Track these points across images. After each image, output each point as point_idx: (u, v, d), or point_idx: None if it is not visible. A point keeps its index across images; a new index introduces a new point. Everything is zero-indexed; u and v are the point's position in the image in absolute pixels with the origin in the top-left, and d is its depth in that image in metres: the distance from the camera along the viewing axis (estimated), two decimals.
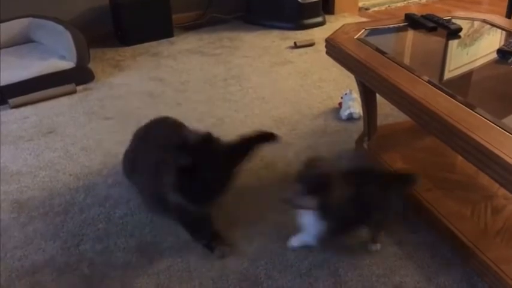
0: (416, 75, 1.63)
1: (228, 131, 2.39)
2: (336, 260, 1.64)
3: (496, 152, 1.24)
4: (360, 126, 2.26)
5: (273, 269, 1.61)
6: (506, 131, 1.32)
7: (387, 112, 2.32)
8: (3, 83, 2.66)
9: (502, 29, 2.00)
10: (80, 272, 1.62)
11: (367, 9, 4.36)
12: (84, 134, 2.40)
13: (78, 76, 2.88)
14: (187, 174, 1.55)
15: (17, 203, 1.93)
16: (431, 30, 1.98)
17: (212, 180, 1.59)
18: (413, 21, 2.05)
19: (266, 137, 1.85)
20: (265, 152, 2.22)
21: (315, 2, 3.76)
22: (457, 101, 1.47)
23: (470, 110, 1.42)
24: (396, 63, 1.72)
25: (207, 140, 1.63)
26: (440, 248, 1.66)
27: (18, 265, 1.65)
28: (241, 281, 1.57)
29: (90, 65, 2.98)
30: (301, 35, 3.60)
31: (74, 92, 2.80)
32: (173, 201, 1.61)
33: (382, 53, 1.79)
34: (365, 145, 2.11)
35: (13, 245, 1.73)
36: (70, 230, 1.79)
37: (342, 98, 2.53)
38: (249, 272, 1.60)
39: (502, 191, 1.70)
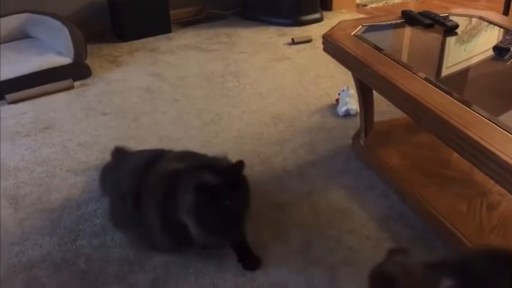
0: (413, 72, 1.63)
1: (226, 127, 2.40)
2: (331, 256, 1.65)
3: (491, 148, 1.25)
4: (357, 122, 2.26)
5: (268, 265, 1.62)
6: (501, 128, 1.32)
7: (384, 109, 2.32)
8: (1, 78, 2.65)
9: (499, 25, 2.00)
10: (76, 268, 1.62)
11: (364, 5, 4.35)
12: (81, 130, 2.40)
13: (76, 72, 2.87)
14: (208, 197, 1.47)
15: (14, 198, 1.94)
16: (428, 27, 1.98)
17: (233, 210, 1.52)
18: (410, 18, 2.05)
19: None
20: (262, 148, 2.23)
21: None
22: (452, 97, 1.47)
23: (466, 107, 1.42)
24: (393, 59, 1.72)
25: (237, 167, 1.55)
26: (436, 244, 1.67)
27: (15, 260, 1.65)
28: (237, 277, 1.58)
29: (88, 61, 2.98)
30: (299, 31, 3.60)
31: (71, 87, 2.80)
32: (185, 224, 1.53)
33: (379, 49, 1.80)
34: (362, 141, 2.12)
35: (10, 240, 1.73)
36: (67, 225, 1.79)
37: (339, 94, 2.53)
38: None
39: (497, 188, 1.70)
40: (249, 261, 1.62)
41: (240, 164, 1.55)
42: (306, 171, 2.07)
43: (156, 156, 1.75)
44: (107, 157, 2.04)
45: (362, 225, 1.77)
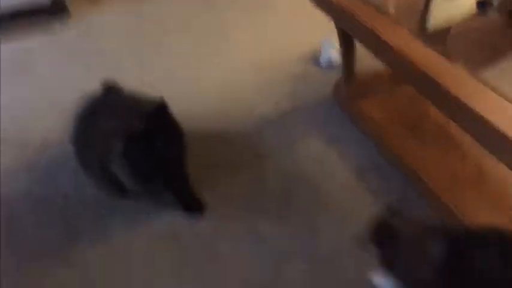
0: (396, 24, 1.62)
1: (207, 76, 2.38)
2: (310, 204, 1.68)
3: (467, 102, 1.27)
4: (339, 73, 2.26)
5: (247, 212, 1.65)
6: (479, 82, 1.34)
7: (366, 59, 2.31)
8: None
9: None
10: (55, 206, 1.64)
11: None
12: (59, 72, 2.36)
13: (54, 12, 2.79)
14: (137, 143, 1.42)
15: None
16: None
17: (164, 156, 1.47)
18: None
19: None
20: (244, 97, 2.22)
21: None
22: (434, 51, 1.47)
23: (446, 61, 1.43)
24: (376, 9, 1.71)
25: (162, 108, 1.48)
26: (411, 195, 1.71)
27: None
28: (216, 222, 1.61)
29: (67, 1, 2.89)
30: None
31: (49, 29, 2.73)
32: (115, 173, 1.51)
33: None
34: (342, 92, 2.13)
35: None
36: (45, 164, 1.79)
37: (322, 44, 2.51)
38: (216, 232, 1.64)
39: (471, 140, 1.73)
40: (192, 205, 1.63)
41: (160, 105, 1.48)
42: (286, 121, 2.08)
43: (104, 99, 1.73)
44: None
45: (341, 175, 1.81)
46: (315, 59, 2.51)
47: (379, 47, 1.58)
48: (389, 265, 1.26)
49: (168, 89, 2.24)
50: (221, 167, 1.83)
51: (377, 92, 2.11)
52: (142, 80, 2.31)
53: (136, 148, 1.42)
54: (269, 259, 1.53)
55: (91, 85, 2.09)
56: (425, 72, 1.38)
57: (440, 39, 1.70)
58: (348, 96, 2.11)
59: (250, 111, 2.14)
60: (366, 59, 2.28)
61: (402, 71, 1.51)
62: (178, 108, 2.03)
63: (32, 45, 2.58)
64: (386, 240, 1.23)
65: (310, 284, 1.47)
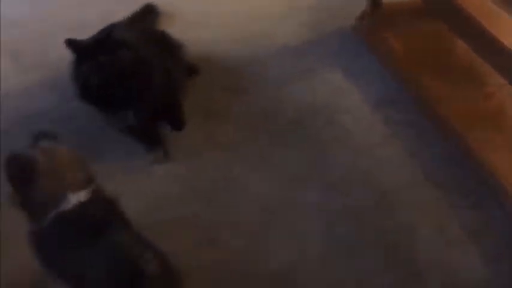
0: None
1: (226, 4, 2.29)
2: (324, 133, 1.69)
3: (497, 37, 1.24)
4: (362, 2, 2.17)
5: (258, 139, 1.65)
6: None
7: None
8: None
9: None
10: (73, 125, 1.66)
11: None
12: None
13: None
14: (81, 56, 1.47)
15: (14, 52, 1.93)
16: None
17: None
18: None
19: None
20: (260, 24, 2.15)
21: None
22: None
23: None
24: None
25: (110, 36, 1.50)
26: (427, 129, 1.69)
27: (14, 114, 1.69)
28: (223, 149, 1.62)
29: None
30: None
31: None
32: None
33: None
34: (366, 22, 2.06)
35: (10, 93, 1.76)
36: (66, 84, 1.79)
37: None
38: None
39: (494, 79, 1.69)
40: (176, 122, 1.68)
41: (109, 34, 1.51)
42: (305, 50, 2.04)
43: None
44: (107, 17, 1.98)
45: (357, 106, 1.79)
46: None
47: None
48: (24, 203, 1.09)
49: (188, 19, 2.18)
50: (234, 91, 1.82)
51: (401, 24, 2.04)
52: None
53: (80, 61, 1.48)
54: (280, 184, 1.54)
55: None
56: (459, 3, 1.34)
57: None
58: (371, 27, 2.05)
59: (269, 39, 2.09)
60: None
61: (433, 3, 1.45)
62: (198, 35, 2.00)
63: None
64: (20, 174, 1.07)
65: (324, 208, 1.47)
